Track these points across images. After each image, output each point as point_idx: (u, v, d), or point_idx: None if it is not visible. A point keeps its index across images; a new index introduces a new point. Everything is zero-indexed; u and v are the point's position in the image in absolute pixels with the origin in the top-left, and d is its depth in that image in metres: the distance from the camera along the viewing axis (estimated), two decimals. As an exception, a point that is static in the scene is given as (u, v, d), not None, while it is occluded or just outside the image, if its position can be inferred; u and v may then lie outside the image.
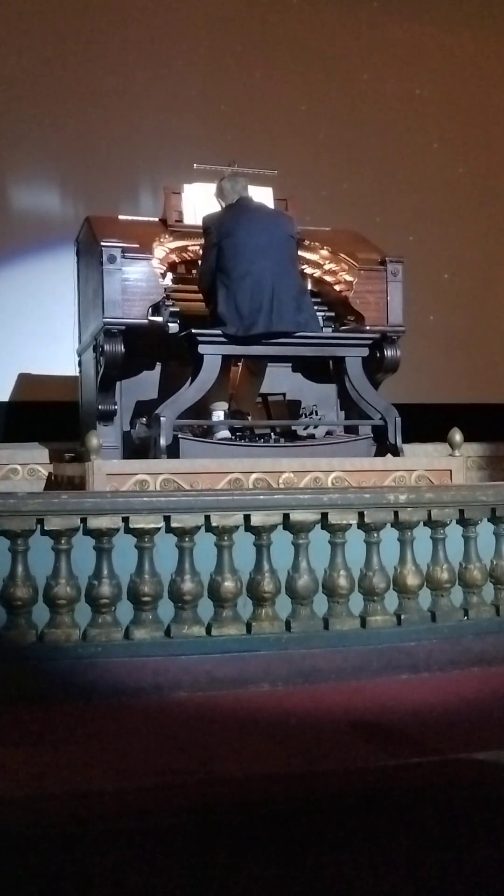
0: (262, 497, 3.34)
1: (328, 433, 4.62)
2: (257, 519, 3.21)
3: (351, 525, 3.31)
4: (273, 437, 4.55)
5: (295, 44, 7.34)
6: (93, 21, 6.83)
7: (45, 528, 3.05)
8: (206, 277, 4.49)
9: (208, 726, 2.71)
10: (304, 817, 2.12)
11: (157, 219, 5.11)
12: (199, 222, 4.74)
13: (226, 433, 4.37)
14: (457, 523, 3.48)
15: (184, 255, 4.84)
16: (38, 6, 6.70)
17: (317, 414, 4.77)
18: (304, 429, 4.62)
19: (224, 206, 4.65)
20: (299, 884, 2.06)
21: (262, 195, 4.93)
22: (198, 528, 3.17)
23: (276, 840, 2.07)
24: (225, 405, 4.47)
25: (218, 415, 4.42)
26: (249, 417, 4.66)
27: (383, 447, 4.48)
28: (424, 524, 3.43)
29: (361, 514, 3.31)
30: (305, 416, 4.76)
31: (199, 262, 4.66)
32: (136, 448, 4.55)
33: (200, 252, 4.72)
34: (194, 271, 4.83)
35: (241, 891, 2.03)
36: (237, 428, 4.49)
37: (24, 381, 6.41)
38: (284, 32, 7.33)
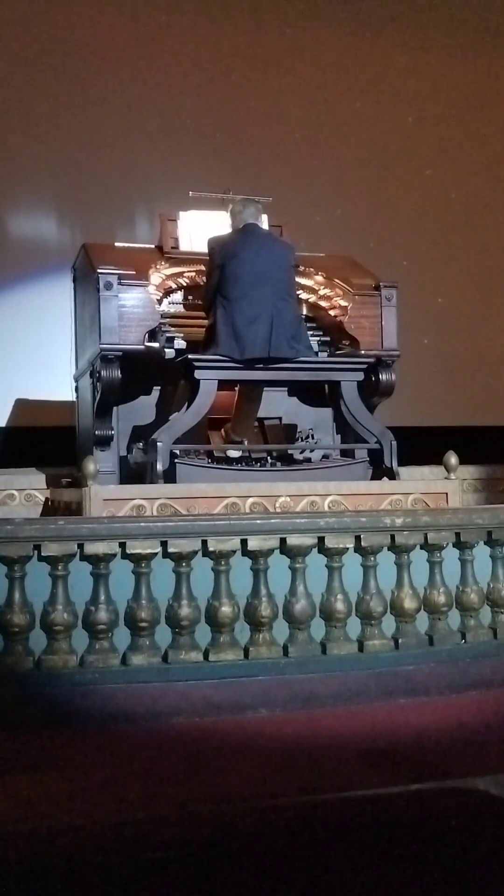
0: (258, 521, 3.34)
1: (324, 457, 4.64)
2: (254, 543, 3.21)
3: (347, 549, 3.31)
4: (270, 461, 4.56)
5: (289, 72, 7.44)
6: (89, 50, 6.91)
7: (42, 554, 3.05)
8: (208, 298, 4.53)
9: (206, 753, 2.69)
10: (304, 845, 2.11)
11: (153, 246, 5.16)
12: (195, 249, 4.79)
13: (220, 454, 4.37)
14: (453, 546, 3.48)
15: (180, 281, 4.88)
16: (32, 35, 6.78)
17: (313, 438, 4.78)
18: (301, 453, 4.63)
19: (232, 229, 4.70)
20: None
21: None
22: (195, 552, 3.17)
23: (275, 868, 2.06)
24: None
25: None
26: (245, 442, 4.68)
27: (379, 470, 4.49)
28: (421, 547, 3.43)
29: (358, 538, 3.31)
30: (302, 440, 4.77)
31: (204, 284, 4.69)
32: (132, 473, 4.56)
33: (196, 278, 4.76)
34: (190, 297, 4.86)
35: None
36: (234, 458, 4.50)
37: (22, 406, 6.42)
38: (279, 61, 7.43)
